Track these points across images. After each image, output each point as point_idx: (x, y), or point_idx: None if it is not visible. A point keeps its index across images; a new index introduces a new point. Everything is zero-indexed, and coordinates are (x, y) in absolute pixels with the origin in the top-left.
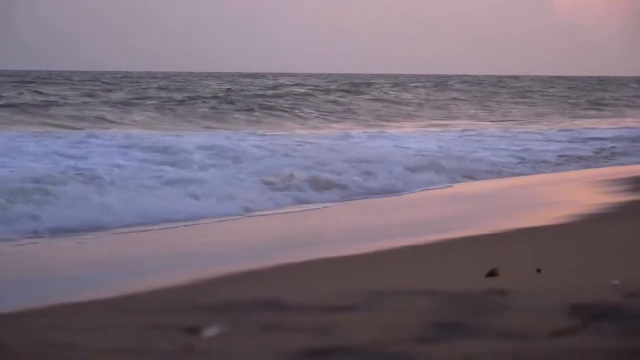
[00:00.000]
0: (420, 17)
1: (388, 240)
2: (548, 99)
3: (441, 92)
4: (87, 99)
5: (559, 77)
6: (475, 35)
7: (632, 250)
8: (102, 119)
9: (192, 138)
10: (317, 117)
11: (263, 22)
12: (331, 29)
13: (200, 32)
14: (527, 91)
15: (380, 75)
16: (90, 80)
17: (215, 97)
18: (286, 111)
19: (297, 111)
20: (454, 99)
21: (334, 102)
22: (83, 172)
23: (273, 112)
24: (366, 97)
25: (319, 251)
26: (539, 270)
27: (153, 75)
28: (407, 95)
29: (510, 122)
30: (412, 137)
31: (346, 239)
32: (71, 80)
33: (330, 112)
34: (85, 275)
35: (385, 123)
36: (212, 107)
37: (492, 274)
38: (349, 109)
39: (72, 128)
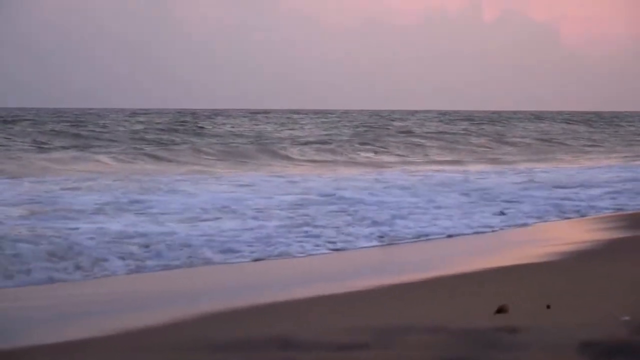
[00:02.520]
0: (428, 55)
1: (397, 276)
2: None
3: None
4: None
5: (573, 112)
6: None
7: None
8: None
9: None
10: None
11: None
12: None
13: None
14: None
15: (395, 111)
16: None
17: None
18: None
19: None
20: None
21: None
22: None
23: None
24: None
25: (329, 288)
26: (548, 307)
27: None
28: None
29: None
30: None
31: (356, 276)
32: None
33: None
34: (100, 312)
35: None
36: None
37: (501, 310)
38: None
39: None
